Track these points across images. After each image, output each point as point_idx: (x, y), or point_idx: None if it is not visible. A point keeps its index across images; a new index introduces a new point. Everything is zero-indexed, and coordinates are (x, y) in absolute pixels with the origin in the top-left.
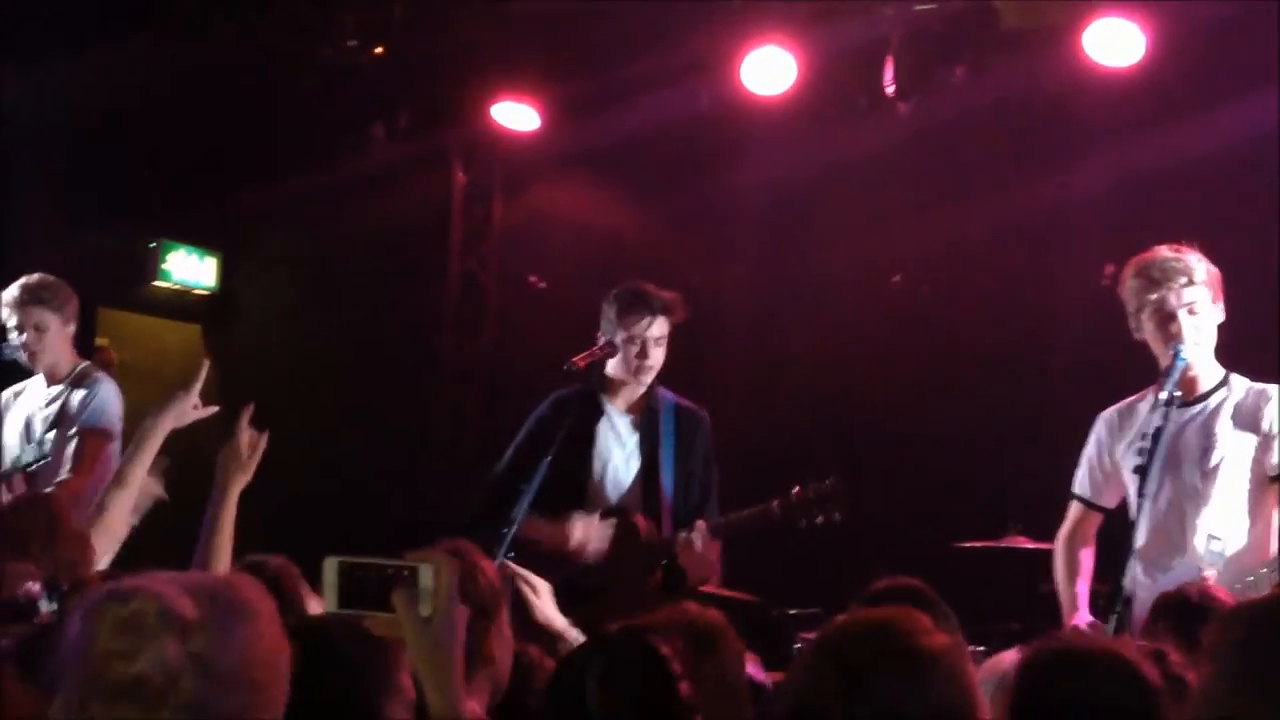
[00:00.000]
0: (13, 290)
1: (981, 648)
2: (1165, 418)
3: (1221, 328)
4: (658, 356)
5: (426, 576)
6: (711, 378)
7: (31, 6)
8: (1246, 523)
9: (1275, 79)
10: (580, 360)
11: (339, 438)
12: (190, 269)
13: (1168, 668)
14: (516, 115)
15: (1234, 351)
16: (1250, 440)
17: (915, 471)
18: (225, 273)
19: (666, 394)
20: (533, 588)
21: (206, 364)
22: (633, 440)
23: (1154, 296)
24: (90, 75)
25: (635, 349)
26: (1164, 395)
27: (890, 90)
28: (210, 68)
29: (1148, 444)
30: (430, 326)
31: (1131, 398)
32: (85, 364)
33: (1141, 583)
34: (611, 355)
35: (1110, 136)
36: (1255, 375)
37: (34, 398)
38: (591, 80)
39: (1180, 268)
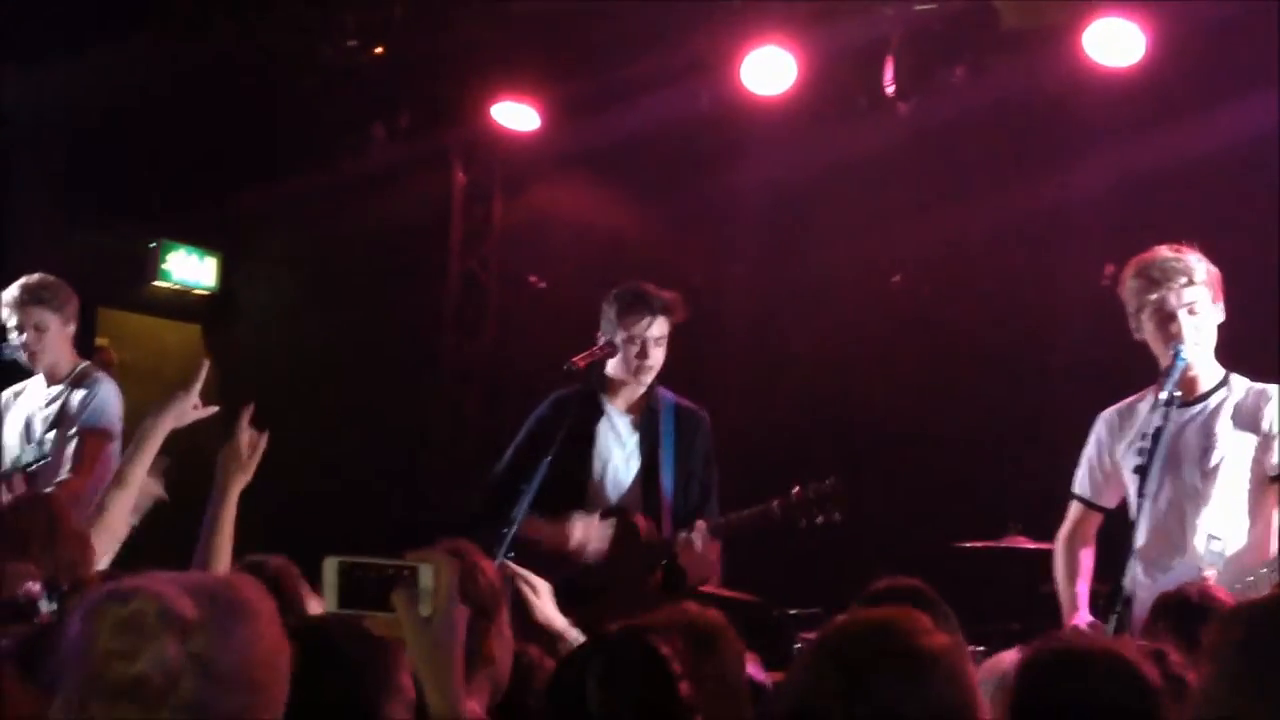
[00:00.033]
0: (13, 290)
1: (981, 648)
2: (1165, 418)
3: (1221, 328)
4: (658, 356)
5: (426, 576)
6: (711, 378)
7: (31, 6)
8: (1246, 523)
9: (1275, 79)
10: (580, 360)
11: (339, 438)
12: (190, 269)
13: (1168, 668)
14: (516, 115)
15: (1234, 351)
16: (1250, 440)
17: (915, 471)
18: (225, 273)
19: (666, 394)
20: (533, 588)
21: (206, 364)
22: (633, 440)
23: (1154, 296)
24: (90, 75)
25: (635, 349)
26: (1164, 395)
27: (890, 90)
28: (210, 68)
29: (1148, 444)
30: (430, 326)
31: (1131, 398)
32: (85, 364)
33: (1141, 583)
34: (611, 355)
35: (1110, 136)
36: (1255, 375)
37: (34, 398)
38: (591, 80)
39: (1180, 268)
